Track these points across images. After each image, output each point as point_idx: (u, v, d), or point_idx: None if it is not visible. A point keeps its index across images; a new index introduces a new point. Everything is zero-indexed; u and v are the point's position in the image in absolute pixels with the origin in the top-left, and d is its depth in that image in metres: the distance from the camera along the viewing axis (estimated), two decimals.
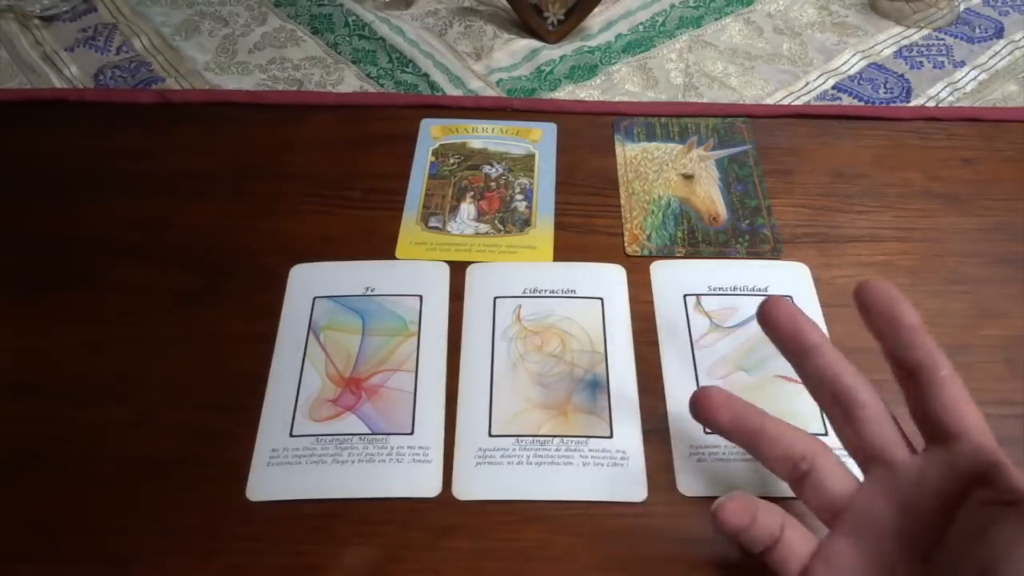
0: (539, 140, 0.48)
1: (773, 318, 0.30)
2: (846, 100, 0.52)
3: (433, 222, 0.44)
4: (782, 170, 0.47)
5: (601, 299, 0.40)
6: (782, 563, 0.28)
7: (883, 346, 0.28)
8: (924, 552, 0.25)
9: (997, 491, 0.23)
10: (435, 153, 0.48)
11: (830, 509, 0.28)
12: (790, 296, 0.40)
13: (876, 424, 0.28)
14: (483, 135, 0.49)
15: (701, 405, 0.30)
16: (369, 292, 0.40)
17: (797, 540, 0.28)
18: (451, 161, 0.47)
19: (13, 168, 0.46)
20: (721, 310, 0.40)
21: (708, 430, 0.35)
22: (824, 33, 0.57)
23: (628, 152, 0.48)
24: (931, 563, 0.25)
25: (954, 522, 0.24)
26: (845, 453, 0.30)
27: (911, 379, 0.27)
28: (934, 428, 0.27)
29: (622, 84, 0.53)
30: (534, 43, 0.55)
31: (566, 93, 0.52)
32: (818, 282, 0.41)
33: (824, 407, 0.29)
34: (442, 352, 0.38)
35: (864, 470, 0.28)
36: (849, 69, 0.54)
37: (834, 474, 0.28)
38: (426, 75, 0.53)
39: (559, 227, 0.44)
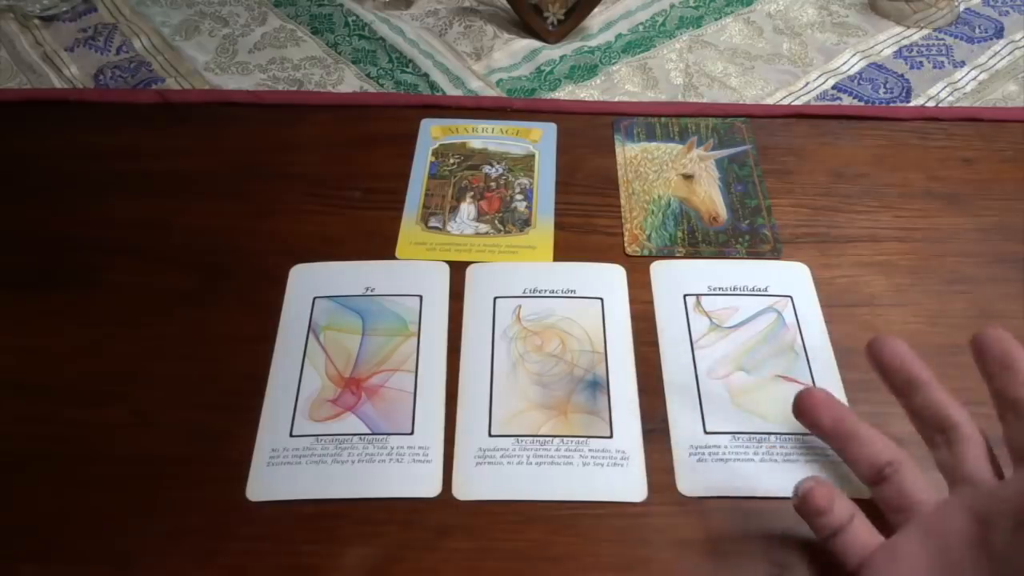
0: (539, 140, 0.48)
1: (882, 358, 0.31)
2: (846, 100, 0.52)
3: (433, 222, 0.44)
4: (782, 170, 0.47)
5: (601, 299, 0.40)
6: (845, 549, 0.29)
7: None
8: (997, 556, 0.26)
9: None
10: (435, 153, 0.48)
11: (905, 510, 0.30)
12: (790, 296, 0.40)
13: (973, 452, 0.29)
14: (483, 135, 0.49)
15: (804, 407, 0.32)
16: (369, 292, 0.40)
17: (864, 531, 0.30)
18: (451, 161, 0.47)
19: (13, 168, 0.46)
20: (721, 310, 0.40)
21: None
22: (824, 33, 0.57)
23: (628, 152, 0.48)
24: (1002, 564, 0.26)
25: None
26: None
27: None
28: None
29: (622, 84, 0.53)
30: (534, 43, 0.55)
31: (566, 93, 0.52)
32: (818, 282, 0.41)
33: (927, 434, 0.31)
34: (442, 352, 0.38)
35: (951, 489, 0.30)
36: (849, 69, 0.54)
37: (915, 480, 0.30)
38: (426, 75, 0.53)
39: (559, 227, 0.44)
